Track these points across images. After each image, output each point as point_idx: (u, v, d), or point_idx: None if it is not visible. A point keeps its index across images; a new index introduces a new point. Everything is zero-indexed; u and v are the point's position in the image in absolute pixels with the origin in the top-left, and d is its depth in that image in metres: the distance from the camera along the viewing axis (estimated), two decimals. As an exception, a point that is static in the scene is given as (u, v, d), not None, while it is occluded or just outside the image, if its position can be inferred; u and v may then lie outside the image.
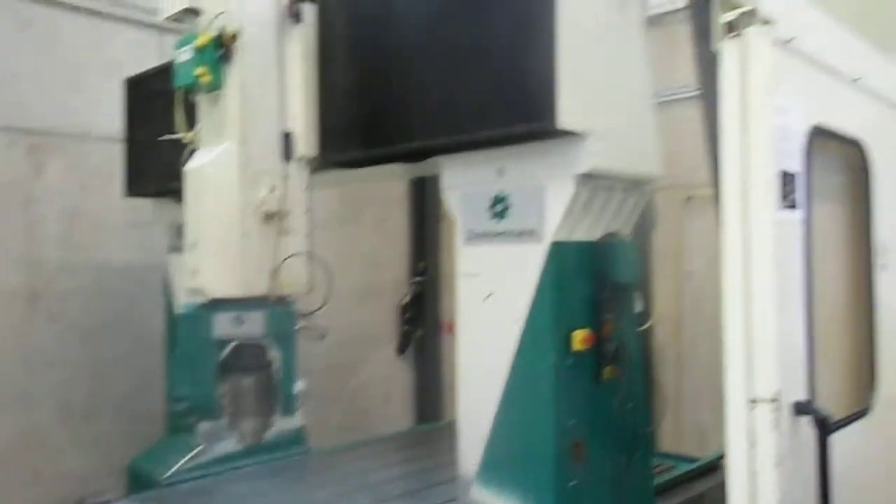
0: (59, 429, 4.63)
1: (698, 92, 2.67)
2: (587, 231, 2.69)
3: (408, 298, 6.55)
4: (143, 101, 4.24)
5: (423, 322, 6.59)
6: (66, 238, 4.75)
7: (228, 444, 3.71)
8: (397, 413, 6.53)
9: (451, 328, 6.86)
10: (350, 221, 6.19)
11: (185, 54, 3.11)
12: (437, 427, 5.23)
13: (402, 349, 6.59)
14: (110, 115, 4.66)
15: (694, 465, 3.77)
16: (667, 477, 3.59)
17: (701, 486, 3.59)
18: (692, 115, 3.85)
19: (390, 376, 6.54)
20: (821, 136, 2.20)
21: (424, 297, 6.58)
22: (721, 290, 1.97)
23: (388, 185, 6.36)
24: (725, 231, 1.95)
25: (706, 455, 3.98)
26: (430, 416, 6.42)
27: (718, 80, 2.03)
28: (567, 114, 2.40)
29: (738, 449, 1.87)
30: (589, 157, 2.51)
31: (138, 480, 3.94)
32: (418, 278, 6.59)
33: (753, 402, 1.84)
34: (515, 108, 2.50)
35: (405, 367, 6.67)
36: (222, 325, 3.10)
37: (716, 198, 2.22)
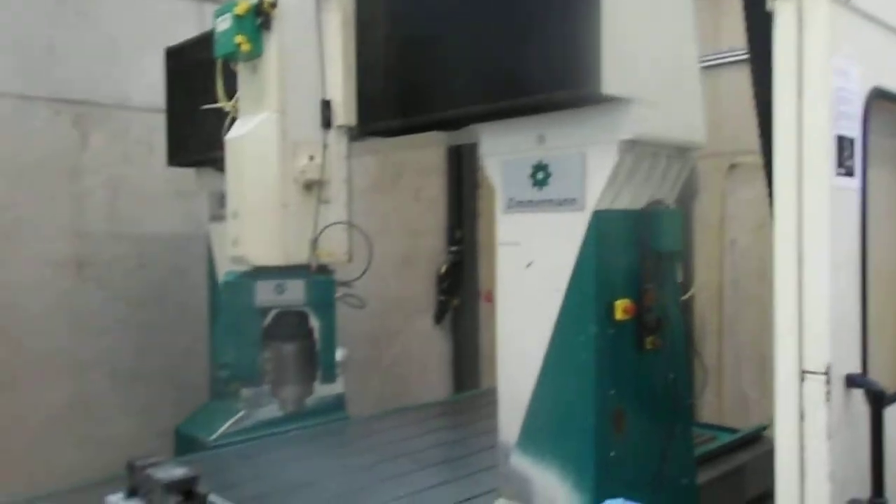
0: (107, 394, 4.78)
1: (748, 55, 2.57)
2: (630, 199, 2.64)
3: (445, 267, 6.56)
4: (184, 71, 4.27)
5: (460, 291, 6.60)
6: (111, 208, 4.84)
7: (270, 410, 3.80)
8: (435, 381, 6.59)
9: (489, 297, 6.89)
10: (387, 190, 6.19)
11: (224, 23, 3.11)
12: (475, 395, 5.27)
13: (439, 318, 6.62)
14: (150, 86, 4.71)
15: (735, 436, 3.73)
16: (708, 447, 3.56)
17: (742, 457, 3.56)
18: (735, 81, 3.74)
19: (428, 345, 6.59)
20: (880, 99, 2.10)
21: (462, 266, 6.59)
22: (769, 259, 1.92)
23: (425, 153, 6.34)
24: (778, 198, 1.88)
25: (747, 426, 3.94)
26: (467, 385, 6.48)
27: (771, 41, 1.95)
28: (611, 79, 2.33)
29: (787, 421, 1.83)
30: (633, 124, 2.45)
31: (185, 444, 4.06)
32: (455, 247, 6.59)
33: (804, 374, 1.80)
34: (557, 74, 2.43)
35: (443, 335, 6.71)
36: (264, 293, 3.14)
37: (765, 165, 2.14)
